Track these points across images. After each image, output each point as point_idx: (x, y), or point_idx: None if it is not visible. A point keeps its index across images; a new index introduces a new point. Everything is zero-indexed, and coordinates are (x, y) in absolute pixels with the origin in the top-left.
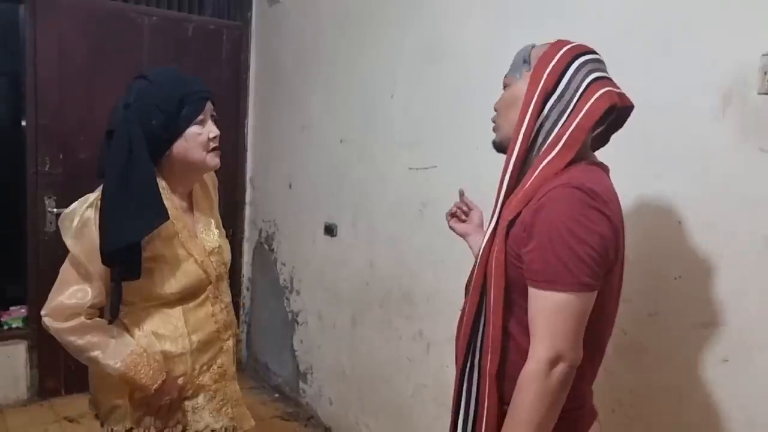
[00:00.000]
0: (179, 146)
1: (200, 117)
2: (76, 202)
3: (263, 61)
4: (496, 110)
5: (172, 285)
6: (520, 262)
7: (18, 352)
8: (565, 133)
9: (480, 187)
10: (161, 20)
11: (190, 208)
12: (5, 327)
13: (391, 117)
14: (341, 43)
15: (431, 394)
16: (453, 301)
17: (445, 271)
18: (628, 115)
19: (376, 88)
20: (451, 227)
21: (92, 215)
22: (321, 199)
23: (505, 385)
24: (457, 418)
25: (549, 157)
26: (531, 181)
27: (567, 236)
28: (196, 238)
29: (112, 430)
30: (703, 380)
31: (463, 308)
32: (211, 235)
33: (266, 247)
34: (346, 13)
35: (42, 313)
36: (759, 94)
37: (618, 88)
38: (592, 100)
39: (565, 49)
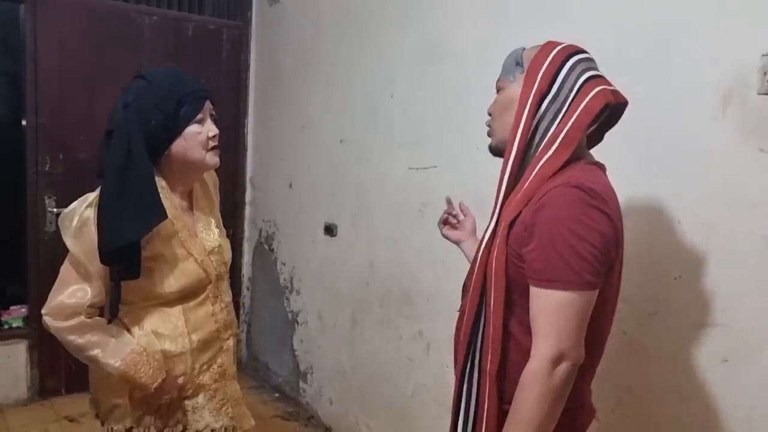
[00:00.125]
0: (178, 145)
1: (199, 116)
2: (76, 201)
3: (263, 61)
4: (490, 114)
5: (172, 284)
6: (521, 261)
7: (18, 352)
8: (561, 133)
9: (480, 187)
10: (161, 20)
11: (190, 207)
12: (5, 326)
13: (392, 117)
14: (341, 43)
15: (431, 393)
16: (453, 301)
17: (445, 270)
18: (622, 112)
19: (377, 88)
20: (444, 235)
21: (91, 215)
22: (321, 199)
23: (505, 384)
24: (457, 419)
25: (546, 157)
26: (530, 180)
27: (568, 235)
28: (195, 238)
29: (112, 429)
30: (703, 380)
31: (462, 309)
32: (211, 234)
33: (266, 246)
34: (346, 13)
35: (42, 312)
36: (759, 94)
37: (611, 85)
38: (587, 99)
39: (557, 49)
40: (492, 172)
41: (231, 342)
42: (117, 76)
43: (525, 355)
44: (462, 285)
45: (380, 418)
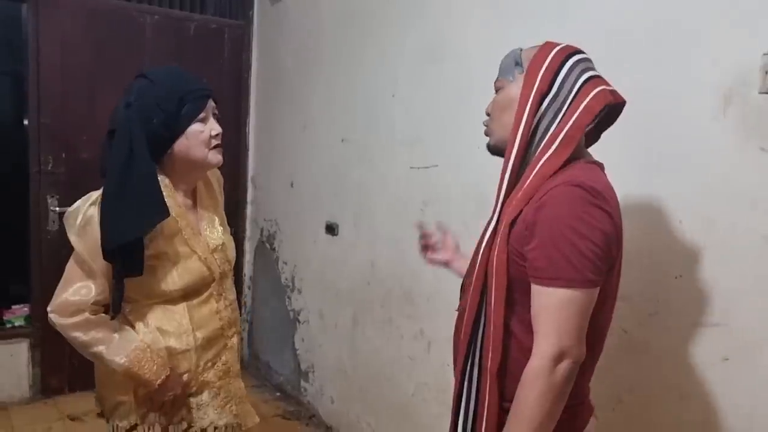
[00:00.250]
0: (181, 144)
1: (202, 115)
2: (80, 200)
3: (265, 61)
4: (488, 114)
5: (176, 282)
6: (522, 260)
7: (21, 351)
8: (561, 132)
9: (481, 186)
10: (163, 19)
11: (194, 205)
12: (8, 325)
13: (393, 116)
14: (343, 43)
15: (432, 392)
16: (454, 301)
17: (445, 270)
18: (620, 111)
19: (378, 88)
20: (430, 261)
21: (95, 213)
22: (322, 199)
23: (506, 382)
24: (458, 417)
25: (547, 156)
26: (530, 179)
27: (570, 233)
28: (199, 236)
29: (116, 425)
30: (704, 379)
31: (461, 308)
32: (215, 232)
33: (268, 246)
34: (347, 13)
35: (48, 309)
36: (760, 93)
37: (609, 85)
38: (587, 99)
39: (556, 50)
40: (493, 171)
41: (235, 339)
42: (119, 76)
43: (526, 353)
44: (461, 285)
45: (381, 417)
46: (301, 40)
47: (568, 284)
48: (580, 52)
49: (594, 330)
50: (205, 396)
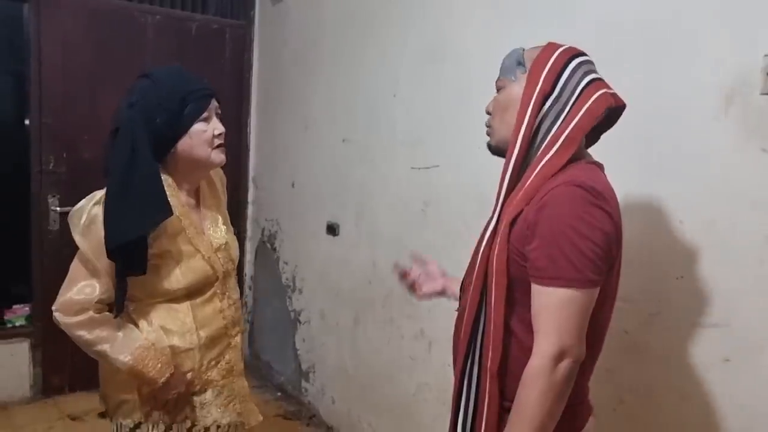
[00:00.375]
0: (184, 143)
1: (205, 114)
2: (84, 199)
3: (266, 61)
4: (489, 113)
5: (179, 281)
6: (523, 260)
7: (22, 350)
8: (563, 133)
9: (481, 186)
10: (165, 19)
11: (198, 204)
12: (9, 325)
13: (394, 116)
14: (344, 43)
15: (433, 392)
16: (454, 301)
17: (446, 270)
18: (620, 114)
19: (379, 88)
20: (420, 298)
21: (99, 212)
22: (323, 199)
23: (506, 382)
24: (457, 416)
25: (548, 156)
26: (531, 180)
27: (570, 233)
28: (203, 235)
29: (120, 424)
30: (705, 380)
31: (461, 308)
32: (218, 231)
33: (269, 246)
34: (348, 13)
35: (53, 308)
36: (761, 94)
37: (611, 88)
38: (590, 101)
39: (559, 51)
40: (494, 171)
41: (238, 338)
42: (120, 76)
43: (526, 352)
44: (460, 285)
45: (382, 417)
46: (302, 41)
47: (568, 284)
48: (582, 54)
49: (594, 330)
50: (208, 394)
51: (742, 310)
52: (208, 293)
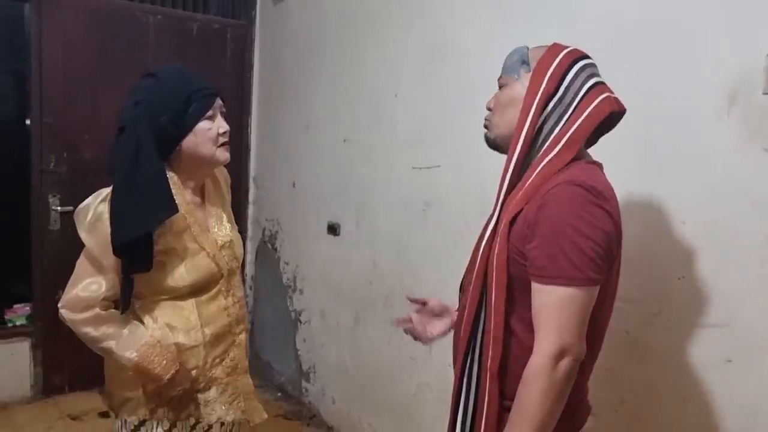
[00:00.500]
0: (189, 141)
1: (209, 112)
2: (91, 196)
3: (267, 60)
4: (489, 109)
5: (184, 278)
6: (523, 259)
7: (22, 350)
8: (565, 135)
9: (482, 186)
10: (166, 19)
11: (202, 203)
12: (9, 325)
13: (395, 116)
14: (345, 43)
15: (434, 392)
16: (455, 301)
17: (447, 270)
18: (620, 118)
19: (380, 88)
20: (429, 341)
21: (105, 209)
22: (324, 199)
23: (506, 380)
24: (456, 415)
25: (549, 157)
26: (531, 179)
27: (571, 232)
28: (207, 233)
29: (125, 421)
30: (706, 381)
31: (461, 307)
32: (223, 229)
33: (269, 246)
34: (350, 13)
35: (59, 305)
36: (764, 94)
37: (613, 92)
38: (594, 104)
39: (564, 53)
40: (495, 171)
41: (243, 336)
42: (121, 75)
43: (527, 351)
44: (459, 284)
45: (383, 417)
46: (303, 40)
47: (569, 282)
48: (586, 57)
49: (593, 329)
50: (212, 392)
51: (744, 311)
52: (213, 291)
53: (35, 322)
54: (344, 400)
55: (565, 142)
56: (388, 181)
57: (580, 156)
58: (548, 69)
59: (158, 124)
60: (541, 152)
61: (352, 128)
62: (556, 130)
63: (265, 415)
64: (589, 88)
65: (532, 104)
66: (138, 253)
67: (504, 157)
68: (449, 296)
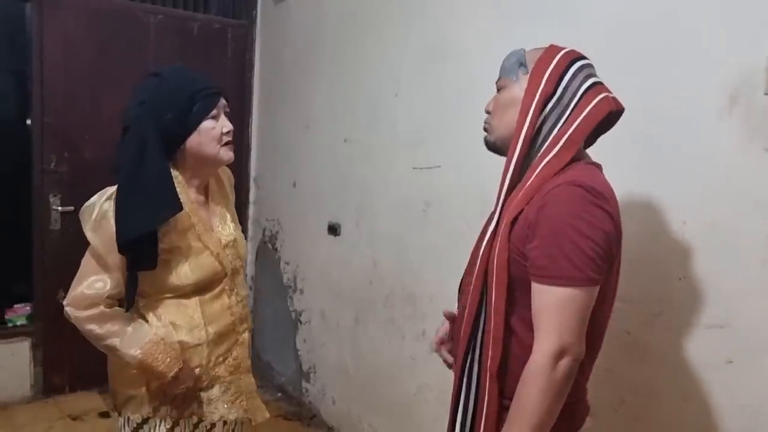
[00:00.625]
0: (193, 140)
1: (214, 112)
2: (96, 195)
3: (268, 60)
4: (488, 112)
5: (188, 276)
6: (524, 259)
7: (22, 350)
8: (564, 135)
9: (482, 186)
10: (167, 18)
11: (206, 202)
12: (9, 324)
13: (395, 116)
14: (346, 42)
15: (434, 393)
16: (455, 301)
17: (448, 270)
18: (618, 117)
19: (381, 88)
20: (447, 359)
21: (110, 208)
22: (325, 199)
23: (506, 380)
24: (456, 414)
25: (548, 158)
26: (531, 180)
27: (571, 232)
28: (211, 231)
29: (128, 419)
30: (707, 381)
31: (461, 307)
32: (227, 228)
33: (270, 246)
34: (350, 12)
35: (64, 302)
36: (765, 94)
37: (611, 92)
38: (592, 104)
39: (561, 54)
40: (495, 171)
41: (246, 335)
42: (122, 75)
43: (527, 351)
44: (458, 285)
45: (383, 418)
46: (304, 40)
47: (568, 282)
48: (583, 57)
49: (593, 329)
50: (215, 390)
51: (745, 311)
52: (217, 289)
53: (35, 322)
54: (344, 400)
55: (564, 142)
56: (389, 181)
57: (580, 157)
58: (546, 70)
59: (163, 123)
60: (540, 153)
61: (353, 128)
62: (555, 131)
63: (267, 414)
64: (587, 89)
65: (531, 105)
66: (143, 251)
67: (504, 157)
68: (450, 296)
